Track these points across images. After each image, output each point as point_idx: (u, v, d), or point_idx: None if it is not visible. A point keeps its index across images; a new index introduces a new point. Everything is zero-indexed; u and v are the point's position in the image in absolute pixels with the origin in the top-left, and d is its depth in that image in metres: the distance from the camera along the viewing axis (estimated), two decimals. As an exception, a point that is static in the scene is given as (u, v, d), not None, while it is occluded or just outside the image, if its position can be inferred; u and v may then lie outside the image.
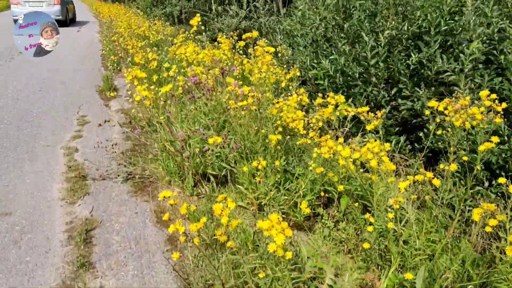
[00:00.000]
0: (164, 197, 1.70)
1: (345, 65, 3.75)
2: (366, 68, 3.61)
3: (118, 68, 7.15)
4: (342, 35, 3.86)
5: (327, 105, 2.57)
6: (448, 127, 2.34)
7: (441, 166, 2.01)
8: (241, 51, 5.03)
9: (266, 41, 4.67)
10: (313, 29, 4.46)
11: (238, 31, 6.85)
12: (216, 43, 4.96)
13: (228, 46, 4.88)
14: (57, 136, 4.15)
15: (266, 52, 3.73)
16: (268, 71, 3.52)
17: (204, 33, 5.45)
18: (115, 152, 3.23)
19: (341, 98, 2.45)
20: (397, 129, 3.59)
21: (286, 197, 2.21)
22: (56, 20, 17.11)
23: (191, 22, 4.28)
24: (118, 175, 2.97)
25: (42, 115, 4.82)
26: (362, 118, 2.53)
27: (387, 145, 2.05)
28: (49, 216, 2.66)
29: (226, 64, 4.64)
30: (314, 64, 4.32)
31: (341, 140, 2.17)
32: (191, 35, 6.26)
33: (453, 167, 1.92)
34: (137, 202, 2.73)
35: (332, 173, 2.28)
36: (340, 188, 2.18)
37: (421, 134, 3.10)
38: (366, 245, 1.94)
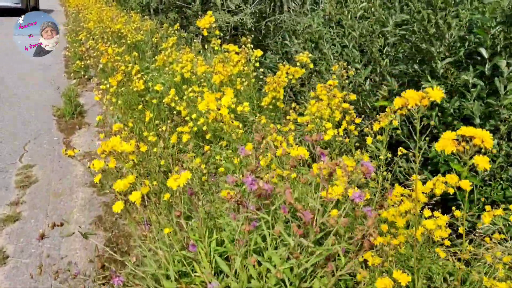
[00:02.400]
0: None
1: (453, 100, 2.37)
2: (492, 107, 2.24)
3: (86, 76, 5.51)
4: (441, 49, 2.47)
5: None
6: None
7: None
8: (257, 64, 3.58)
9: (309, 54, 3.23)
10: (376, 36, 3.06)
11: (246, 33, 5.35)
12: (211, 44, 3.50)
13: (243, 57, 3.41)
14: (-25, 216, 2.35)
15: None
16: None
17: (200, 35, 3.96)
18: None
19: None
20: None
21: None
22: (15, 9, 14.69)
23: (198, 23, 2.81)
24: None
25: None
26: None
27: None
28: None
29: (241, 85, 3.19)
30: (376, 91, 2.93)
31: None
32: (176, 31, 5.15)
33: None
34: None
35: None
36: None
37: None
38: None
